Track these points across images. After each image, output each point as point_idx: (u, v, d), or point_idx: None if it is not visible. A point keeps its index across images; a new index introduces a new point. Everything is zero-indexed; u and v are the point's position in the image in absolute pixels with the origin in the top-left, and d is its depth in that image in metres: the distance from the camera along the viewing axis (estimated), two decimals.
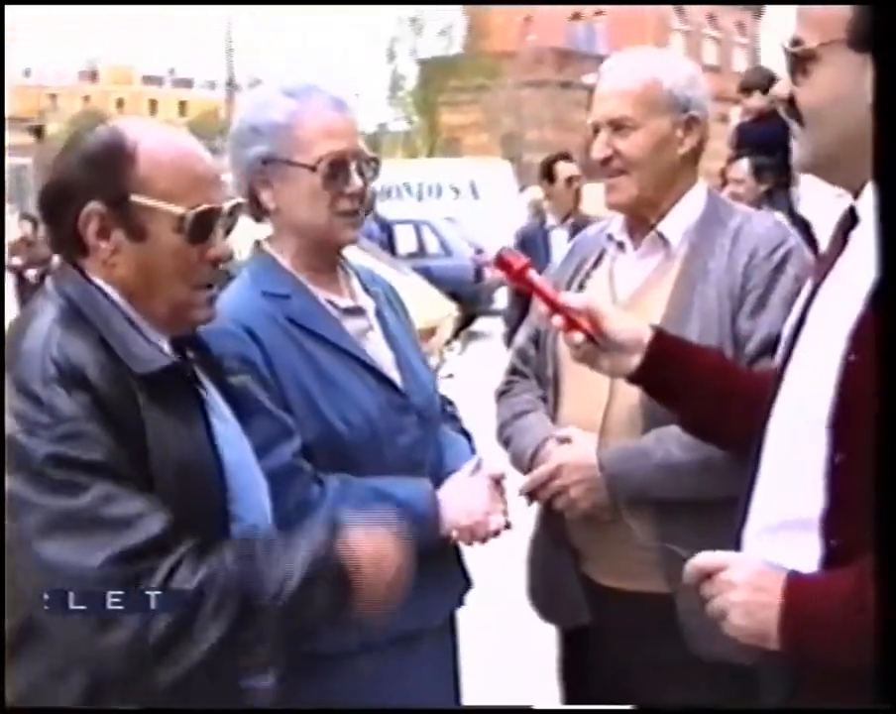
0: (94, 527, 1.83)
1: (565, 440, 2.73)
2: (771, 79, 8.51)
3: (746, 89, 8.37)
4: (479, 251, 20.11)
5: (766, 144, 7.47)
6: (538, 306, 2.38)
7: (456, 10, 49.08)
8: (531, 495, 2.76)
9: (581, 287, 2.85)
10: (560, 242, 7.44)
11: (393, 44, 46.65)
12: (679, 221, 2.77)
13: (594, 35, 53.88)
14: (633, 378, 2.29)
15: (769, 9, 53.20)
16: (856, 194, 1.91)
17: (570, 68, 49.34)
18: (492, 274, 15.51)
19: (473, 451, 2.79)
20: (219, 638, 1.85)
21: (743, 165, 6.76)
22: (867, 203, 1.85)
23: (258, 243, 2.67)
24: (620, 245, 2.85)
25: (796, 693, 1.92)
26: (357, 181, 2.55)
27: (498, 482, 2.63)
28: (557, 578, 2.88)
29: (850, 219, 1.93)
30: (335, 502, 2.42)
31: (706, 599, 1.91)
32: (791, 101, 1.95)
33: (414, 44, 46.89)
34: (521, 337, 3.07)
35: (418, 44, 46.95)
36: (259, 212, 2.61)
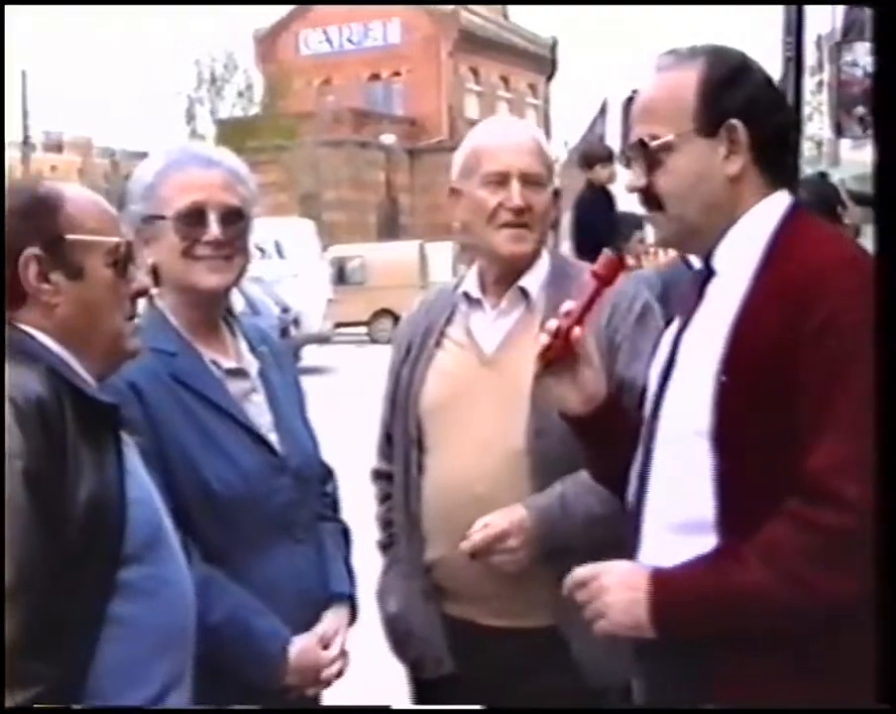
0: None
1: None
2: (610, 153, 9.02)
3: (602, 160, 8.79)
4: (285, 309, 20.35)
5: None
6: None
7: (255, 72, 49.44)
8: (474, 554, 2.80)
9: (438, 344, 2.99)
10: None
11: (193, 104, 46.69)
12: (536, 276, 2.93)
13: (391, 95, 54.76)
14: (584, 415, 2.37)
15: (560, 75, 54.93)
16: (709, 255, 2.25)
17: (367, 128, 50.01)
18: None
19: (347, 543, 2.94)
20: None
21: (649, 230, 6.89)
22: (722, 259, 2.21)
23: (151, 298, 2.71)
24: (478, 302, 2.98)
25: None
26: (214, 230, 2.64)
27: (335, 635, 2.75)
28: (423, 628, 3.00)
29: (707, 274, 2.25)
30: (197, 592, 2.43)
31: (584, 605, 2.19)
32: (644, 190, 2.26)
33: (214, 104, 47.00)
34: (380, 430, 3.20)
35: (218, 104, 47.07)
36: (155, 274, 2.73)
